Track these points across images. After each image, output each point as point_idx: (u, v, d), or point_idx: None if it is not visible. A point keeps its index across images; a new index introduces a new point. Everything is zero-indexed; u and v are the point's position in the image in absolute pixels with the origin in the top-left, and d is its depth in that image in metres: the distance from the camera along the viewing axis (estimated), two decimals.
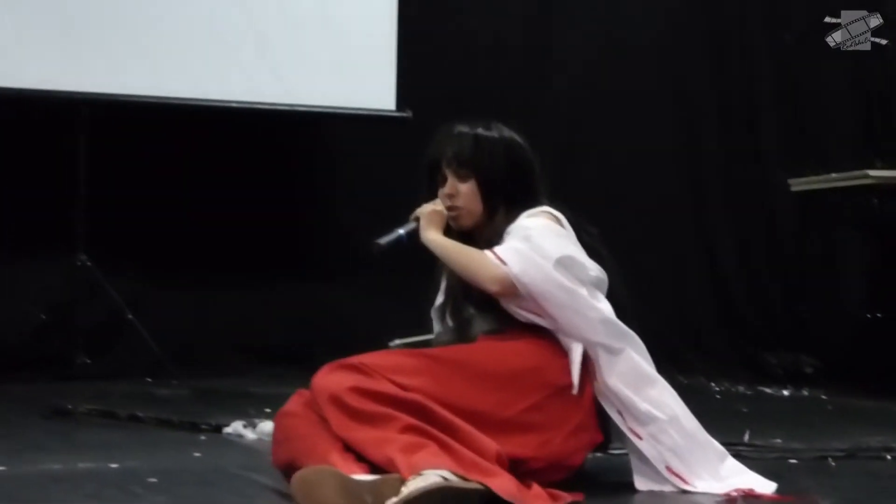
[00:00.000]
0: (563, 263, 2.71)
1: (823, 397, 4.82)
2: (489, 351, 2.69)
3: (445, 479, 2.25)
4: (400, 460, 2.32)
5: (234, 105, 5.26)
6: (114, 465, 2.89)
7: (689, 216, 6.20)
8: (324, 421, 2.49)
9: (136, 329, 4.91)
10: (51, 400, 4.05)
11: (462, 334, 2.83)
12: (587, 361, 2.70)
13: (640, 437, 2.69)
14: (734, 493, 2.65)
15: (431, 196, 2.88)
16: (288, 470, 2.49)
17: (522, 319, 2.71)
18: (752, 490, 2.65)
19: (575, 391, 2.66)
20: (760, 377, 5.42)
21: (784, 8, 6.15)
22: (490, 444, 2.46)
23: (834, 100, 6.10)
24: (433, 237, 2.80)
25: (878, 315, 5.18)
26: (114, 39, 5.07)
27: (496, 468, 2.41)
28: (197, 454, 3.15)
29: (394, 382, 2.50)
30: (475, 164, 2.86)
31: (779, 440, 3.41)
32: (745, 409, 4.47)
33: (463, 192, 2.85)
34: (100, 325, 5.09)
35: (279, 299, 5.54)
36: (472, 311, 2.84)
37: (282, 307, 5.52)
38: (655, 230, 6.10)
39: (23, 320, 5.07)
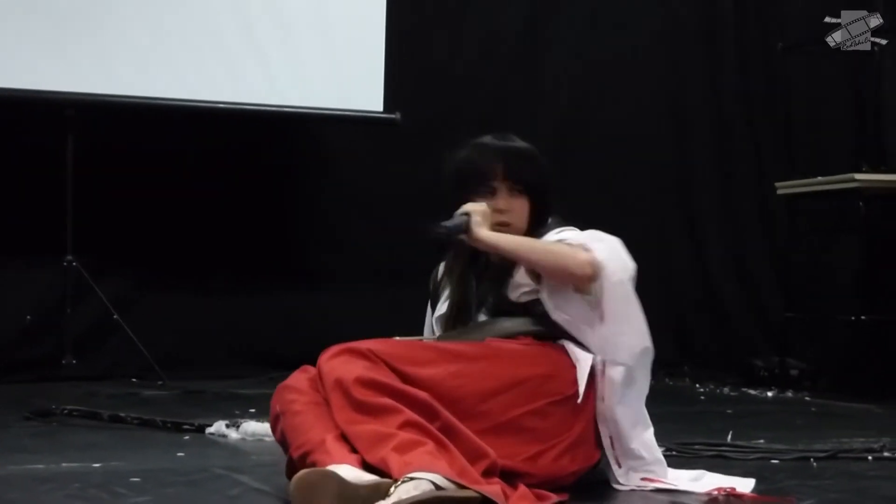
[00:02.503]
0: (633, 277, 2.75)
1: (808, 399, 4.84)
2: (501, 352, 2.68)
3: (438, 485, 2.22)
4: (392, 460, 2.30)
5: (222, 105, 5.26)
6: (97, 465, 2.89)
7: (679, 219, 6.23)
8: (325, 403, 2.47)
9: (124, 330, 4.91)
10: (37, 401, 4.06)
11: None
12: (593, 377, 2.71)
13: (620, 466, 2.73)
14: (715, 493, 2.67)
15: (457, 203, 2.81)
16: (283, 443, 2.52)
17: (558, 319, 2.71)
18: (733, 489, 2.66)
19: (579, 400, 2.66)
20: (746, 379, 5.44)
21: (777, 16, 6.18)
22: (487, 450, 2.45)
23: (823, 105, 6.12)
24: (491, 234, 2.74)
25: (863, 318, 5.20)
26: (102, 39, 5.07)
27: (485, 478, 2.40)
28: (181, 454, 3.16)
29: (402, 373, 2.49)
30: (531, 182, 2.87)
31: (762, 441, 3.43)
32: (729, 411, 4.48)
33: (516, 208, 2.85)
34: (87, 327, 5.10)
35: (267, 301, 5.54)
36: (484, 319, 2.84)
37: (269, 309, 5.52)
38: (646, 233, 6.10)
39: (10, 321, 5.07)
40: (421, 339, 2.86)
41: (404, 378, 2.49)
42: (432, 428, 2.40)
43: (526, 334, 2.75)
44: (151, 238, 5.36)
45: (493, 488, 2.34)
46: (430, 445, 2.34)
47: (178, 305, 5.39)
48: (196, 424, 3.58)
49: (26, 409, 3.86)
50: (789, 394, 5.10)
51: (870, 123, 5.81)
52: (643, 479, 2.72)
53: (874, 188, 5.09)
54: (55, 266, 4.97)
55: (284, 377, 2.66)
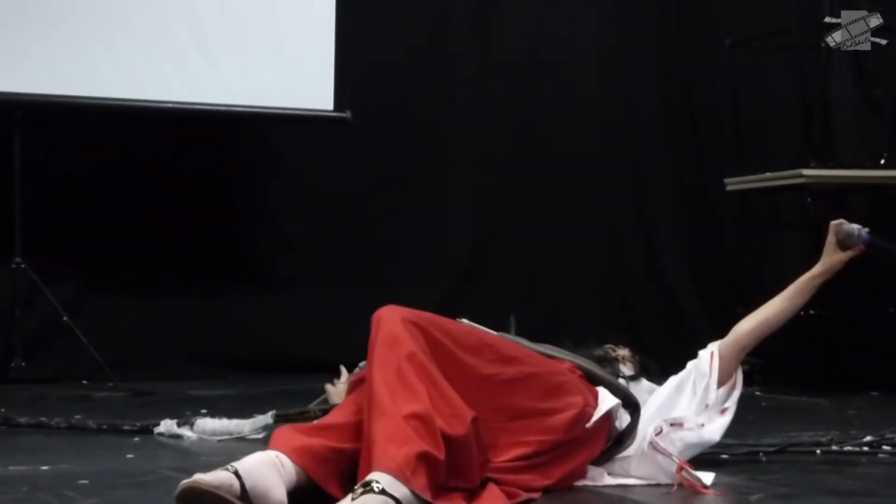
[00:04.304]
0: None
1: (758, 394, 4.86)
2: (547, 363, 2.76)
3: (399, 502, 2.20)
4: (377, 450, 2.27)
5: (171, 105, 5.23)
6: (45, 468, 2.87)
7: (630, 217, 6.25)
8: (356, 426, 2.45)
9: (74, 332, 4.87)
10: None
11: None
12: (609, 416, 2.77)
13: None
14: (676, 484, 2.71)
15: None
16: None
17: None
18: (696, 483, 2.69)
19: (589, 425, 2.70)
20: None
21: (724, 13, 6.22)
22: (478, 475, 2.46)
23: (771, 101, 6.17)
24: None
25: (812, 312, 5.23)
26: (49, 39, 5.01)
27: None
28: (130, 456, 3.14)
29: (454, 356, 2.53)
30: None
31: None
32: None
33: None
34: (36, 329, 5.06)
35: (218, 302, 5.52)
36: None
37: (220, 310, 5.51)
38: (598, 231, 6.15)
39: None
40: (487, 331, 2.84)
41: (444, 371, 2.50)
42: (436, 428, 2.34)
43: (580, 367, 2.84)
44: (100, 240, 5.32)
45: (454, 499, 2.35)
46: (420, 446, 2.28)
47: (128, 307, 5.37)
48: (138, 425, 3.55)
49: None
50: None
51: (817, 119, 5.85)
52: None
53: (822, 183, 5.13)
54: (3, 268, 4.93)
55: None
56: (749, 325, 3.08)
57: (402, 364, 2.41)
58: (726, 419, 2.97)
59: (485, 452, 2.51)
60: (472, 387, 2.56)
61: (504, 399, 2.63)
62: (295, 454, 2.34)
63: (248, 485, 2.23)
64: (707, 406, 2.96)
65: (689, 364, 3.06)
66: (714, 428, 2.92)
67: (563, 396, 2.70)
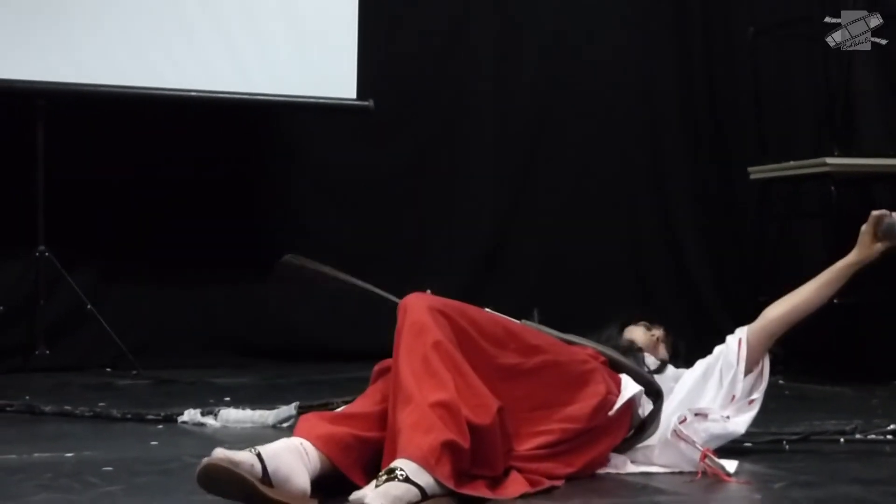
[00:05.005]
0: None
1: (781, 382, 4.84)
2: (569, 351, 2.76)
3: (425, 492, 2.21)
4: (403, 438, 2.29)
5: (194, 94, 5.24)
6: (69, 455, 2.89)
7: (651, 205, 6.24)
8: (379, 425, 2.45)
9: (97, 320, 4.89)
10: (10, 392, 4.04)
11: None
12: (632, 403, 2.78)
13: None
14: (700, 472, 2.70)
15: None
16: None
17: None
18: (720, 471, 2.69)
19: (611, 413, 2.71)
20: None
21: (747, 2, 6.19)
22: (501, 464, 2.45)
23: (794, 90, 6.14)
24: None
25: (835, 301, 5.20)
26: (71, 28, 5.04)
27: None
28: (154, 443, 3.15)
29: (478, 345, 2.54)
30: None
31: None
32: None
33: None
34: (60, 317, 5.09)
35: (240, 290, 5.54)
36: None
37: (243, 298, 5.53)
38: (619, 219, 6.14)
39: None
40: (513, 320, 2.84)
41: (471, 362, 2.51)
42: (461, 418, 2.34)
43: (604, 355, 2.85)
44: (124, 227, 5.35)
45: (475, 488, 2.34)
46: (445, 434, 2.29)
47: (152, 295, 5.39)
48: (162, 415, 3.56)
49: None
50: None
51: (840, 107, 5.82)
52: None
53: (845, 172, 5.10)
54: (27, 257, 4.95)
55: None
56: (778, 312, 3.03)
57: (428, 352, 2.41)
58: (752, 412, 2.94)
59: (509, 442, 2.51)
60: (495, 376, 2.56)
61: (527, 388, 2.63)
62: (320, 442, 2.34)
63: (270, 468, 2.23)
64: (734, 397, 2.93)
65: (717, 349, 3.03)
66: (739, 421, 2.90)
67: (586, 385, 2.69)
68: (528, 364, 2.65)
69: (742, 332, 3.01)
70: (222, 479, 2.18)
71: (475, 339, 2.56)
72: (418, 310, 2.50)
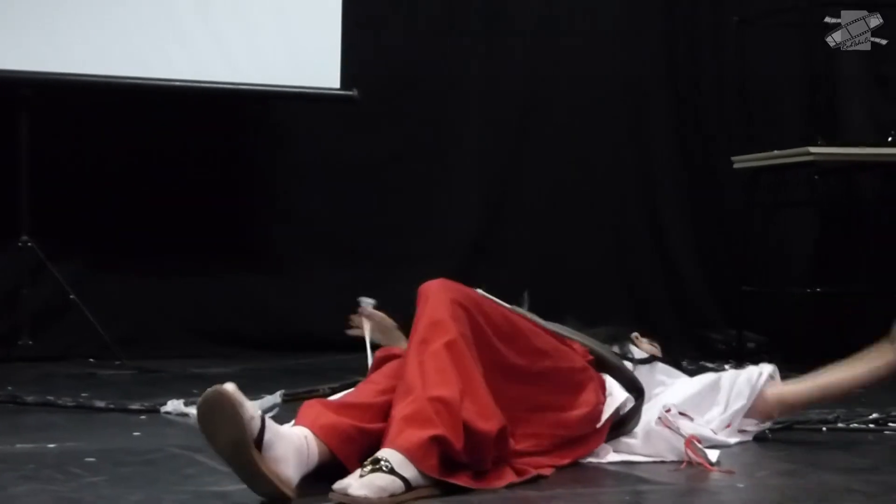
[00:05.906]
0: None
1: None
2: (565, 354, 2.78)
3: (410, 484, 2.22)
4: (394, 428, 2.29)
5: (178, 84, 5.22)
6: (52, 446, 2.88)
7: (637, 194, 6.24)
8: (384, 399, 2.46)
9: (80, 310, 4.88)
10: None
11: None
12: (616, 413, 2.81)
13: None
14: (685, 461, 2.71)
15: None
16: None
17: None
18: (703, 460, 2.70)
19: (599, 426, 2.75)
20: (703, 353, 5.48)
21: None
22: (490, 465, 2.45)
23: (778, 79, 6.15)
24: None
25: (818, 290, 5.24)
26: (56, 17, 5.01)
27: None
28: (137, 434, 3.15)
29: (490, 342, 2.55)
30: None
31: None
32: None
33: None
34: (43, 307, 5.06)
35: (225, 280, 5.53)
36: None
37: (227, 288, 5.52)
38: (604, 209, 6.14)
39: None
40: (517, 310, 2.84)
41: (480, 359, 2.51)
42: (458, 413, 2.34)
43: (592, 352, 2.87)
44: (107, 218, 5.33)
45: (463, 478, 2.35)
46: (439, 430, 2.29)
47: (135, 285, 5.37)
48: (146, 406, 3.55)
49: None
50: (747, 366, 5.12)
51: (825, 96, 5.83)
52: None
53: (829, 161, 5.11)
54: (10, 247, 4.93)
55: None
56: (804, 388, 3.18)
57: (440, 349, 2.42)
58: (742, 437, 3.05)
59: (505, 450, 2.50)
60: (501, 374, 2.58)
61: (529, 390, 2.65)
62: (322, 432, 2.33)
63: (266, 436, 2.21)
64: (729, 426, 3.03)
65: (737, 375, 3.14)
66: (726, 435, 3.01)
67: (580, 393, 2.74)
68: (534, 367, 2.67)
69: (763, 380, 3.11)
70: (223, 413, 2.14)
71: (489, 337, 2.57)
72: (439, 301, 2.50)
